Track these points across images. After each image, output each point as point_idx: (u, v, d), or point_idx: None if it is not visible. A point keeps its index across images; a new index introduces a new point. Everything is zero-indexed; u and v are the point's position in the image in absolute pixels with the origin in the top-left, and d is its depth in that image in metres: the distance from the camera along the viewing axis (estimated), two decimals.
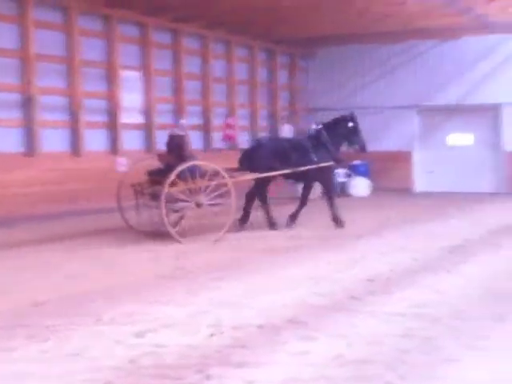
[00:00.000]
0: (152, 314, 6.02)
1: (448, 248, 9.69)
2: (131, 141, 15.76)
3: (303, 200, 12.20)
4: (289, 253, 9.52)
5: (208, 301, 6.53)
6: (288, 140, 12.81)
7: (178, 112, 17.10)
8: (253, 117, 19.88)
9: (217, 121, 18.31)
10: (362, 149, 12.65)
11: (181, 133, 11.04)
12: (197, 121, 17.79)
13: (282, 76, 21.17)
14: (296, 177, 12.29)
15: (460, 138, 19.83)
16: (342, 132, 12.36)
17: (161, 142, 16.39)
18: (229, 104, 18.90)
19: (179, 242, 10.15)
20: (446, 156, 19.93)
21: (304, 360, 4.79)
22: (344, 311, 6.13)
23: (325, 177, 12.16)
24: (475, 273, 7.92)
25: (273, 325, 5.69)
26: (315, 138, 12.24)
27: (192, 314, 6.05)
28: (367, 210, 14.86)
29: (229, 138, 18.60)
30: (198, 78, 17.90)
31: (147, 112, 16.20)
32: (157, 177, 10.60)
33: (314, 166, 11.76)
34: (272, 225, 11.71)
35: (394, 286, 7.16)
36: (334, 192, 12.50)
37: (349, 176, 19.08)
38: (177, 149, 10.81)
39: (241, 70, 19.37)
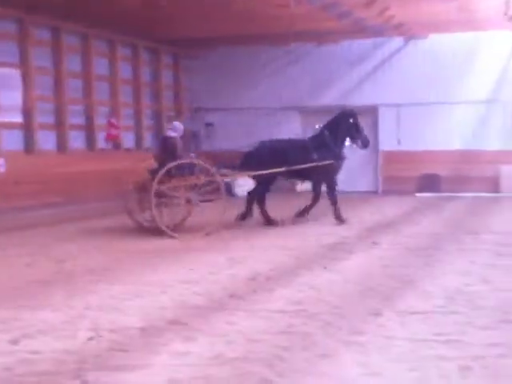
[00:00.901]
0: (27, 320, 5.86)
1: (327, 246, 9.96)
2: (10, 141, 15.22)
3: (315, 197, 12.52)
4: (170, 253, 9.51)
5: (85, 304, 6.42)
6: (290, 141, 13.04)
7: (59, 111, 16.68)
8: (137, 116, 19.68)
9: (100, 120, 18.00)
10: (365, 145, 12.86)
11: (173, 134, 11.68)
12: (79, 120, 17.43)
13: (167, 76, 21.07)
14: (298, 176, 12.79)
15: None
16: (343, 129, 12.51)
17: (42, 141, 16.07)
18: (112, 103, 18.61)
19: (173, 237, 10.73)
20: None
21: (184, 361, 4.80)
22: (225, 310, 6.19)
23: (326, 175, 12.42)
24: (352, 269, 8.18)
25: (153, 327, 5.67)
26: (317, 137, 12.60)
27: (69, 318, 5.93)
28: None
29: (112, 138, 18.33)
30: (80, 76, 17.52)
31: (27, 111, 15.70)
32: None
33: (309, 165, 12.03)
34: (270, 222, 12.17)
35: (274, 284, 7.29)
36: (334, 191, 12.55)
37: None
38: (170, 150, 11.39)
39: (124, 69, 19.12)
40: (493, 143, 18.73)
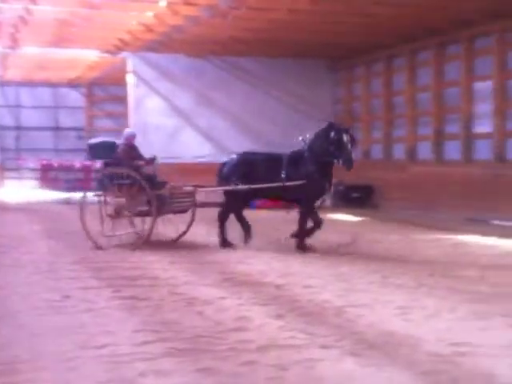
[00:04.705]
0: None
1: None
2: None
3: (300, 224, 10.63)
4: None
5: None
6: (265, 155, 11.41)
7: None
8: None
9: None
10: (346, 164, 10.37)
11: (119, 141, 11.64)
12: None
13: None
14: (270, 195, 11.47)
15: None
16: (323, 144, 10.51)
17: None
18: None
19: (100, 248, 10.56)
20: None
21: None
22: None
23: (299, 196, 10.65)
24: None
25: None
26: (297, 152, 10.89)
27: None
28: None
29: None
30: None
31: None
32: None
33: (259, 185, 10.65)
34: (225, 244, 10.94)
35: None
36: (305, 215, 10.60)
37: None
38: (115, 157, 11.30)
39: None
40: None
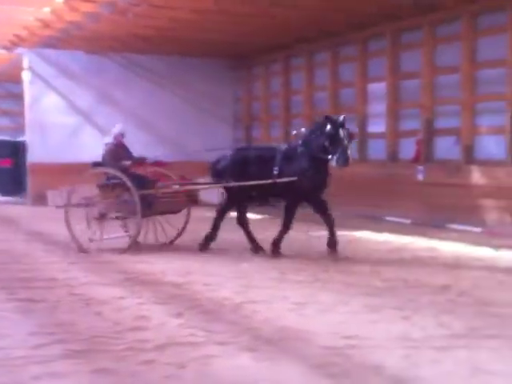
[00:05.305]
0: None
1: None
2: None
3: (284, 223, 10.08)
4: None
5: None
6: (258, 151, 10.63)
7: None
8: None
9: None
10: (339, 161, 9.60)
11: (108, 140, 10.99)
12: None
13: None
14: (262, 192, 10.35)
15: None
16: (318, 139, 9.84)
17: None
18: None
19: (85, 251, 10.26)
20: None
21: None
22: None
23: (287, 195, 10.06)
24: None
25: None
26: (292, 147, 10.24)
27: None
28: None
29: None
30: None
31: None
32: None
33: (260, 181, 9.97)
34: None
35: None
36: (289, 214, 10.10)
37: None
38: (103, 157, 10.84)
39: None
40: None
